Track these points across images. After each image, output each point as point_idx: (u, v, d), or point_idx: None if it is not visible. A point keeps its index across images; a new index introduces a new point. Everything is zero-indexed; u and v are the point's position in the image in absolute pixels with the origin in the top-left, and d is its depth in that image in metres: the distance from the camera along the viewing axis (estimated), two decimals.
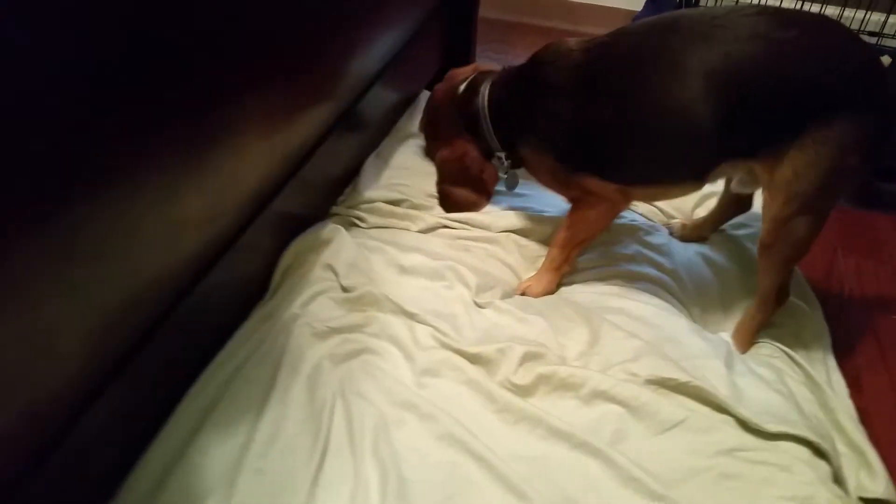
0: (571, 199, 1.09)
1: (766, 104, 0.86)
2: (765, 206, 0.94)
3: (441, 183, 1.25)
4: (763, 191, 0.93)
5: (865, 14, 1.78)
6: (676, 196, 1.06)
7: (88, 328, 0.63)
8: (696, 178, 0.97)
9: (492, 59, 2.08)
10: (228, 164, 0.79)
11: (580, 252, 1.12)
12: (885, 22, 1.80)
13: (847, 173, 0.87)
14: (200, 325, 0.85)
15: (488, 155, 1.20)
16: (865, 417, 0.97)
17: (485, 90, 1.15)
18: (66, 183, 0.53)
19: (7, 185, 0.47)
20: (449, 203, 1.23)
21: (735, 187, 1.05)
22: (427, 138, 1.36)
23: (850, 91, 0.84)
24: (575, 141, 0.98)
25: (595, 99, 0.95)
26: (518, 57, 2.25)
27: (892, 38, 1.79)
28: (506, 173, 1.21)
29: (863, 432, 0.93)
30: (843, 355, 1.08)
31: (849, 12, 1.79)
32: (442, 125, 1.25)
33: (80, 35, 0.50)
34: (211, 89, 0.70)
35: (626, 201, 1.06)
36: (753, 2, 1.68)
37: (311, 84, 0.96)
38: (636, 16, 2.26)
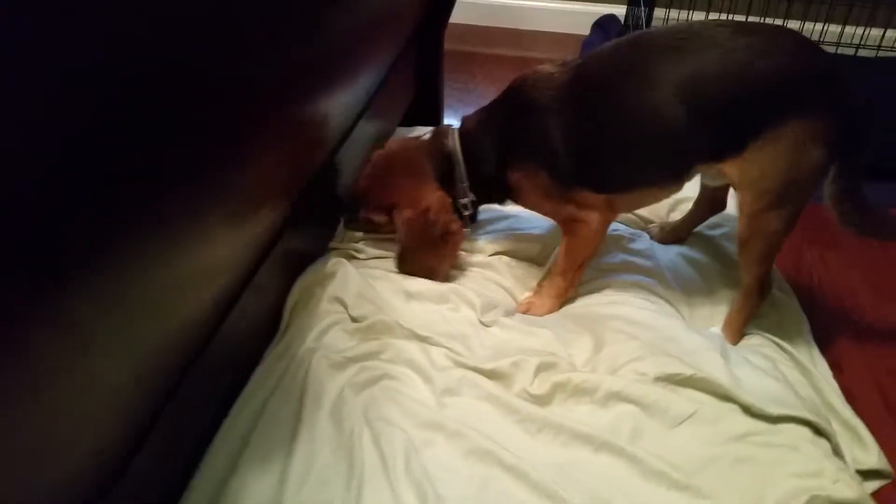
0: (562, 221, 1.12)
1: (725, 108, 0.93)
2: (738, 204, 1.00)
3: (402, 246, 1.15)
4: (735, 190, 1.00)
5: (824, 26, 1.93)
6: (659, 199, 1.11)
7: (128, 382, 0.64)
8: (676, 180, 1.04)
9: (455, 88, 2.15)
10: (244, 213, 0.81)
11: (581, 274, 1.15)
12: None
13: (811, 168, 0.94)
14: (222, 368, 0.87)
15: (455, 204, 1.15)
16: (849, 397, 1.03)
17: (454, 134, 1.14)
18: (107, 242, 0.55)
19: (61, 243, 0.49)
20: (406, 268, 1.16)
21: (706, 180, 1.12)
22: (363, 202, 1.19)
23: (801, 91, 0.92)
24: (567, 157, 1.03)
25: (582, 115, 1.01)
26: (480, 84, 2.35)
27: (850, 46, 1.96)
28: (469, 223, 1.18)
29: (851, 410, 0.99)
30: (822, 340, 1.15)
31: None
32: (397, 180, 1.15)
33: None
34: (225, 146, 0.71)
35: (613, 213, 1.11)
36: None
37: (309, 129, 0.99)
38: (584, 41, 2.38)
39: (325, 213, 1.21)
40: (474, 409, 0.91)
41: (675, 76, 0.94)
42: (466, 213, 1.16)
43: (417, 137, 1.20)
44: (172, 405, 0.74)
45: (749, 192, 0.97)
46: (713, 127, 0.95)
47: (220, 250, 0.77)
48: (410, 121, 1.68)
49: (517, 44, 2.56)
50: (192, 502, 0.76)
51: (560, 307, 1.15)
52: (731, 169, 0.97)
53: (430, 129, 1.20)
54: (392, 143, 1.23)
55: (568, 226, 1.11)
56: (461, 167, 1.13)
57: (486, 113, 1.13)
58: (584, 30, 2.43)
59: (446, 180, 1.14)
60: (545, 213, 1.15)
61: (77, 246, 0.50)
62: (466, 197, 1.15)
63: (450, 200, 1.14)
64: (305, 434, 0.84)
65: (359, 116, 1.26)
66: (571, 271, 1.13)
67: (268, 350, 0.98)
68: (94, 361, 0.56)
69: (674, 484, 0.80)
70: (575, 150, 1.02)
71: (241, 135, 0.75)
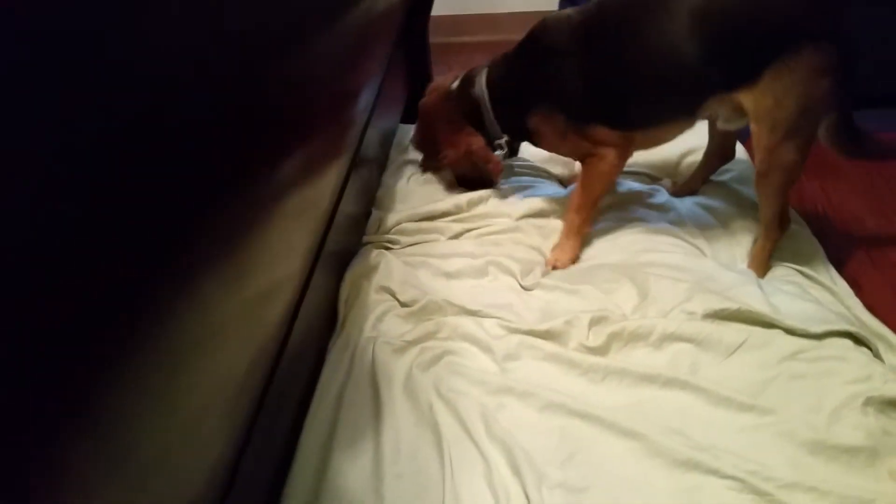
0: (580, 158, 1.18)
1: (738, 39, 0.98)
2: (755, 138, 1.05)
3: (455, 175, 1.37)
4: (751, 123, 1.05)
5: None
6: (674, 136, 1.16)
7: (242, 383, 0.68)
8: (689, 115, 1.09)
9: None
10: (306, 222, 0.84)
11: (595, 213, 1.21)
12: None
13: (822, 96, 0.99)
14: (297, 365, 0.90)
15: (491, 144, 1.28)
16: (872, 310, 1.09)
17: (481, 79, 1.23)
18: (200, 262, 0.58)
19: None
20: (466, 183, 1.36)
21: (721, 124, 1.16)
22: (424, 152, 1.42)
23: (811, 21, 0.97)
24: (583, 96, 1.08)
25: (598, 53, 1.06)
26: (459, 74, 2.38)
27: None
28: (505, 158, 1.31)
29: (879, 321, 1.06)
30: (836, 264, 1.21)
31: None
32: (440, 129, 1.32)
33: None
34: (277, 163, 0.75)
35: (629, 149, 1.16)
36: None
37: (339, 137, 1.02)
38: None
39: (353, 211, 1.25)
40: (537, 370, 0.95)
41: (691, 9, 0.98)
42: (502, 151, 1.28)
43: (454, 79, 1.32)
44: (265, 406, 0.77)
45: (765, 123, 1.02)
46: (728, 57, 1.00)
47: (293, 258, 0.81)
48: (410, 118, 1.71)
49: (493, 28, 2.60)
50: (296, 489, 0.80)
51: (580, 248, 1.20)
52: (746, 99, 1.02)
53: (455, 77, 1.33)
54: (429, 97, 1.38)
55: (586, 162, 1.17)
56: (489, 113, 1.24)
57: (508, 60, 1.21)
58: (555, 5, 2.48)
59: (478, 124, 1.27)
60: (564, 153, 1.24)
61: (207, 250, 0.53)
62: (501, 138, 1.27)
63: (483, 140, 1.27)
64: (387, 412, 0.88)
65: (366, 127, 1.29)
66: (586, 208, 1.17)
67: (330, 343, 1.01)
68: (221, 350, 0.59)
69: (740, 406, 0.85)
70: (591, 87, 1.07)
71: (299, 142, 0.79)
